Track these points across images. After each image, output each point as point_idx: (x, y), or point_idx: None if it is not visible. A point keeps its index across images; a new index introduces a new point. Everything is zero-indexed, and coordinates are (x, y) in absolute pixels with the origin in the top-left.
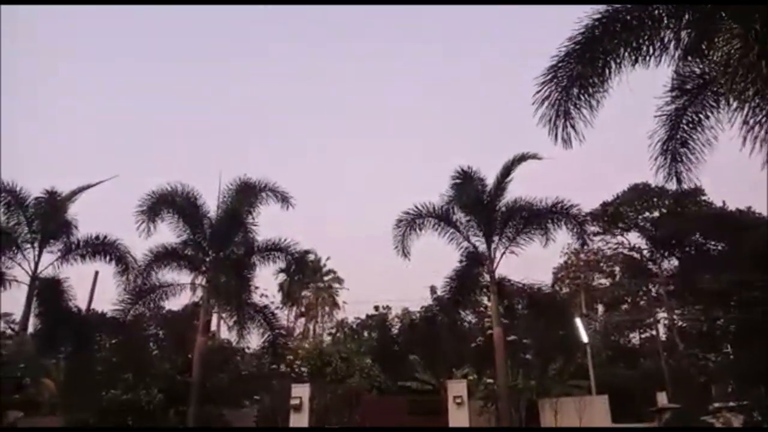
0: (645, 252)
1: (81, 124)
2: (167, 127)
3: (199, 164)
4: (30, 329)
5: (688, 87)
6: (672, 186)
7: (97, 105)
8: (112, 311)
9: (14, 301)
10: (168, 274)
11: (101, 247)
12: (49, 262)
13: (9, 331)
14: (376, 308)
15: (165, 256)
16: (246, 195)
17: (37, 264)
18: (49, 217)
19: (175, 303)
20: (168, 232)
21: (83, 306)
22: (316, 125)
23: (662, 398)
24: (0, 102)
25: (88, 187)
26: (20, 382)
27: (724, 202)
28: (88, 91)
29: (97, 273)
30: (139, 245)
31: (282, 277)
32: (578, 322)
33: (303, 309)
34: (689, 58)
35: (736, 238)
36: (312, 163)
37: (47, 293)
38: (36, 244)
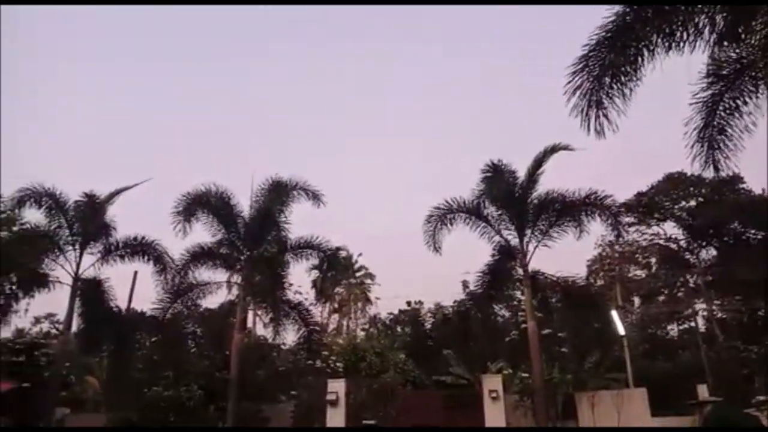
0: (682, 242)
1: (96, 125)
2: (188, 127)
3: (227, 165)
4: (73, 329)
5: (725, 72)
6: (709, 174)
7: (108, 106)
8: (151, 310)
9: (58, 301)
10: (204, 273)
11: (139, 248)
12: (89, 264)
13: (54, 331)
14: (408, 303)
15: (201, 256)
16: (278, 194)
17: (78, 265)
18: (89, 220)
19: (211, 301)
20: (203, 232)
21: (123, 306)
22: (342, 123)
23: (702, 391)
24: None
25: (125, 189)
26: (66, 380)
27: (764, 190)
28: (100, 92)
29: (136, 273)
30: (174, 245)
31: (315, 273)
32: (614, 314)
33: (336, 305)
34: (725, 42)
35: None
36: (343, 161)
37: (89, 294)
38: (77, 246)
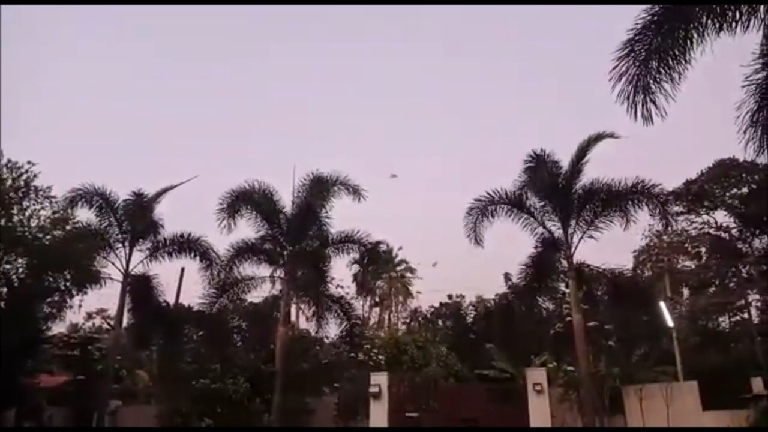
0: (734, 231)
1: (137, 127)
2: (226, 127)
3: (266, 163)
4: (124, 324)
5: None
6: (763, 159)
7: (146, 109)
8: (198, 305)
9: (109, 297)
10: (248, 268)
11: (186, 245)
12: (138, 260)
13: (106, 327)
14: (450, 297)
15: (245, 251)
16: (319, 189)
17: (128, 262)
18: (138, 218)
19: (256, 296)
20: (247, 228)
21: (171, 301)
22: (379, 121)
23: (757, 384)
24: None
25: (172, 187)
26: (118, 373)
27: None
28: (136, 94)
29: (183, 269)
30: (219, 241)
31: (356, 267)
32: (662, 306)
33: (377, 299)
34: None
35: None
36: (379, 156)
37: (138, 290)
38: (126, 244)
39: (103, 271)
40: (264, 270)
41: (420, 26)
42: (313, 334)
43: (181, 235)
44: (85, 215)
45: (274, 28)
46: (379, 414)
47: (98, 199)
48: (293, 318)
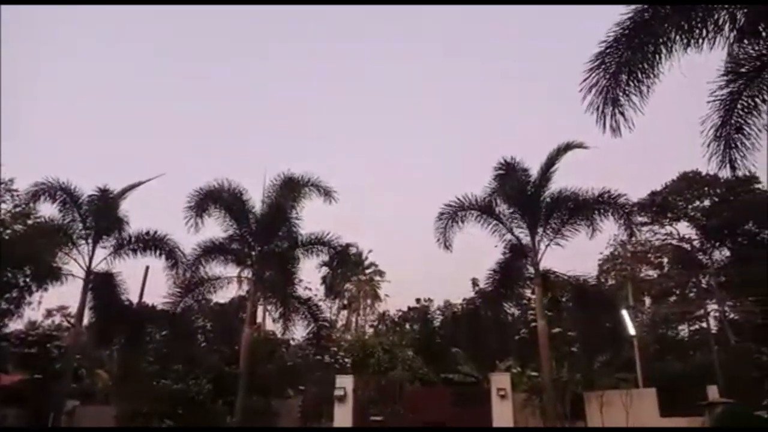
0: (695, 242)
1: (106, 124)
2: (199, 125)
3: (239, 163)
4: (85, 322)
5: (744, 70)
6: (725, 173)
7: (118, 106)
8: (162, 304)
9: (70, 294)
10: (215, 268)
11: (151, 242)
12: (102, 258)
13: (66, 324)
14: (418, 301)
15: (212, 251)
16: (289, 190)
17: (91, 259)
18: (102, 214)
19: (222, 296)
20: (215, 227)
21: (135, 300)
22: (354, 122)
23: (713, 392)
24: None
25: (139, 184)
26: (77, 372)
27: None
28: (109, 91)
29: (147, 267)
30: (186, 240)
31: (325, 270)
32: (625, 314)
33: (345, 301)
34: (745, 39)
35: None
36: (353, 159)
37: (101, 287)
38: (90, 240)
39: (64, 268)
40: (231, 270)
41: (397, 29)
42: (279, 335)
43: (147, 233)
44: (48, 210)
45: (265, 29)
46: (343, 417)
47: (62, 193)
48: (259, 319)
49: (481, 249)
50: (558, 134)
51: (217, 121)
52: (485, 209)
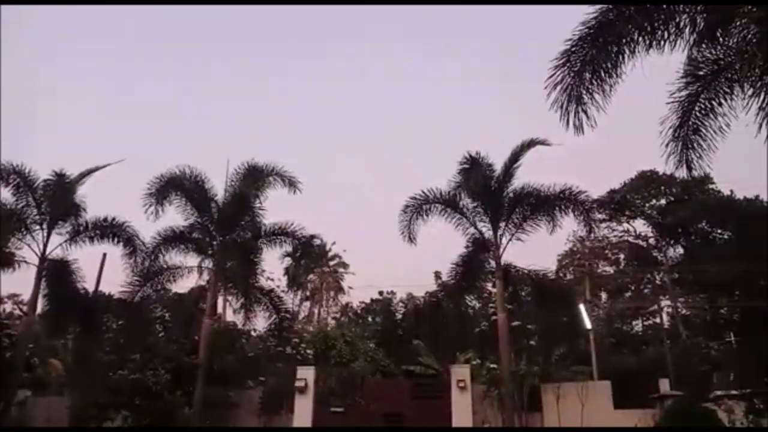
0: (651, 240)
1: (84, 112)
2: (171, 114)
3: (206, 151)
4: (38, 310)
5: (702, 73)
6: (682, 174)
7: (86, 92)
8: (120, 293)
9: (23, 282)
10: (175, 257)
11: (109, 230)
12: (57, 244)
13: (17, 312)
14: (381, 293)
15: (172, 239)
16: (253, 179)
17: (45, 245)
18: (58, 199)
19: (182, 286)
20: (176, 215)
21: (91, 288)
22: (320, 115)
23: (664, 385)
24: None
25: (96, 169)
26: (29, 362)
27: (731, 191)
28: (88, 81)
29: (105, 255)
30: (148, 228)
31: (288, 261)
32: (582, 308)
33: (308, 293)
34: (704, 43)
35: (743, 228)
36: (318, 150)
37: (55, 275)
38: (44, 226)
39: (17, 254)
40: (191, 259)
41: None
42: (240, 326)
43: (105, 219)
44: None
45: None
46: (303, 408)
47: (15, 177)
48: (220, 310)
49: (445, 242)
50: (537, 131)
51: (181, 106)
52: (449, 203)
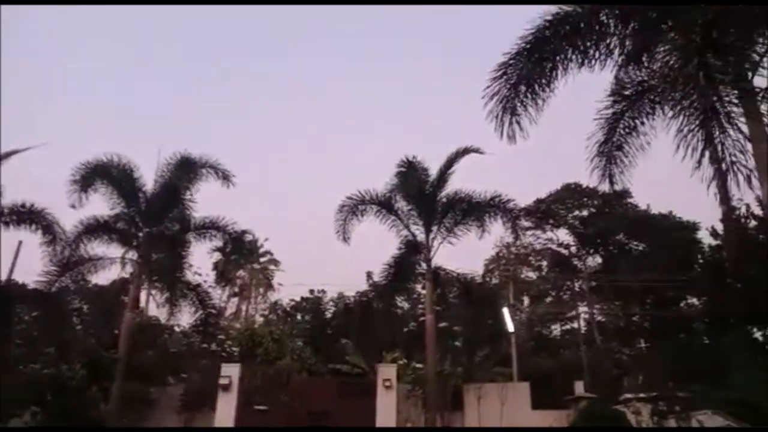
0: (572, 248)
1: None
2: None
3: (141, 141)
4: None
5: (627, 93)
6: (604, 187)
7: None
8: (35, 283)
9: None
10: (98, 248)
11: (27, 216)
12: None
13: None
14: (311, 291)
15: (96, 229)
16: (185, 170)
17: None
18: None
19: (103, 277)
20: (102, 204)
21: (3, 276)
22: (261, 109)
23: (579, 387)
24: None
25: (15, 152)
26: None
27: (648, 206)
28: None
29: (20, 242)
30: (69, 216)
31: (217, 255)
32: (505, 312)
33: (237, 289)
34: (631, 65)
35: (656, 241)
36: (256, 147)
37: None
38: None
39: None
40: (115, 251)
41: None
42: (163, 321)
43: (22, 205)
44: None
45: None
46: (227, 406)
47: None
48: (143, 304)
49: (378, 243)
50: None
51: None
52: (385, 205)
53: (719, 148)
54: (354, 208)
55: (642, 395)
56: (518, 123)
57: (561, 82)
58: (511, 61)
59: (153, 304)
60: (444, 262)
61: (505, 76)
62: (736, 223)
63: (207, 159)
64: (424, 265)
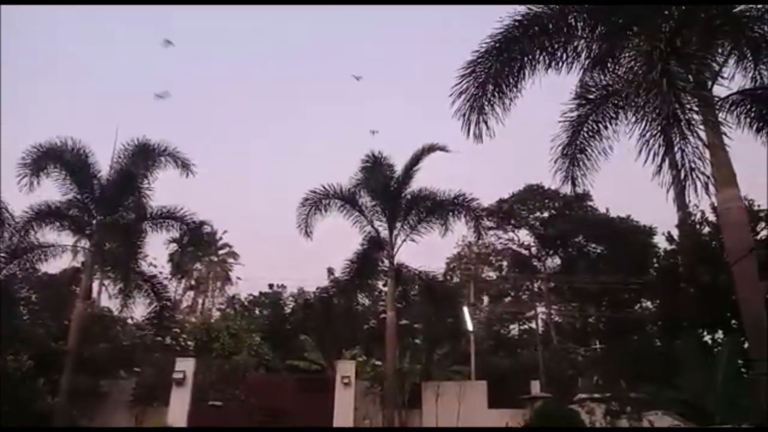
0: (532, 249)
1: None
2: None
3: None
4: None
5: (592, 97)
6: (566, 189)
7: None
8: None
9: None
10: (49, 235)
11: None
12: None
13: None
14: (271, 286)
15: (47, 215)
16: (143, 157)
17: None
18: None
19: (53, 266)
20: (54, 190)
21: None
22: (225, 101)
23: (535, 387)
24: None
25: None
26: None
27: (607, 209)
28: None
29: None
30: (18, 201)
31: (174, 247)
32: (465, 311)
33: (193, 282)
34: (596, 69)
35: (614, 244)
36: (219, 139)
37: None
38: None
39: None
40: (67, 238)
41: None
42: (116, 313)
43: None
44: None
45: None
46: (180, 401)
47: None
48: (95, 294)
49: (340, 239)
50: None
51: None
52: (349, 200)
53: (679, 154)
54: (317, 202)
55: (596, 395)
56: (485, 122)
57: (528, 82)
58: (480, 60)
59: (105, 295)
60: (407, 260)
61: (473, 74)
62: (691, 229)
63: (166, 146)
64: (386, 262)
